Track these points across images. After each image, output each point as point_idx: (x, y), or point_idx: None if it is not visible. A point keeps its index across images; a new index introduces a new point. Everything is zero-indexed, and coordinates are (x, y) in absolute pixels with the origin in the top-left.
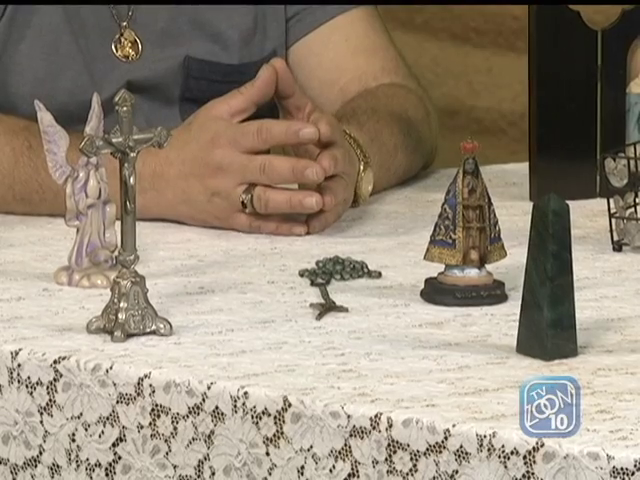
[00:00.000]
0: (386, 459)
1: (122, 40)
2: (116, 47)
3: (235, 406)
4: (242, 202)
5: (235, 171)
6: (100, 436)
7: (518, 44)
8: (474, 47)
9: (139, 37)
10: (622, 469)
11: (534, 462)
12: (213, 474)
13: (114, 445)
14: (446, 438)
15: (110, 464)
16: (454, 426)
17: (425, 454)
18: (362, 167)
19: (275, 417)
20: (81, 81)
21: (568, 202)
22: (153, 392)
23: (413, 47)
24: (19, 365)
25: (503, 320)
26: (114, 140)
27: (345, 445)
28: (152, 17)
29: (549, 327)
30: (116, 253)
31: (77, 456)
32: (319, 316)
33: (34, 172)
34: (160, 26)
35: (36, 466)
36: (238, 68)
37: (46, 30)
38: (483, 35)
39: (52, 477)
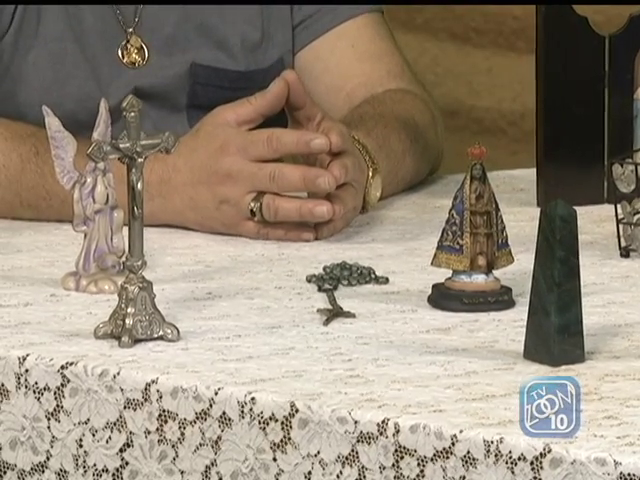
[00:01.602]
0: (393, 465)
1: (128, 46)
2: (122, 53)
3: (242, 412)
4: (251, 210)
5: (244, 179)
6: (107, 441)
7: (518, 44)
8: (474, 47)
9: (145, 43)
10: (629, 475)
11: (541, 468)
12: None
13: (121, 450)
14: (453, 444)
15: (117, 469)
16: (461, 432)
17: (432, 460)
18: (371, 174)
19: (282, 423)
20: (88, 88)
21: (575, 208)
22: (160, 398)
23: (413, 47)
24: (27, 370)
25: (510, 326)
26: (122, 145)
27: (352, 451)
28: (158, 23)
29: (556, 333)
30: (124, 258)
31: (84, 461)
32: (326, 322)
33: (41, 179)
34: (166, 32)
35: (43, 471)
36: (245, 75)
37: (51, 39)
38: (483, 35)
39: None
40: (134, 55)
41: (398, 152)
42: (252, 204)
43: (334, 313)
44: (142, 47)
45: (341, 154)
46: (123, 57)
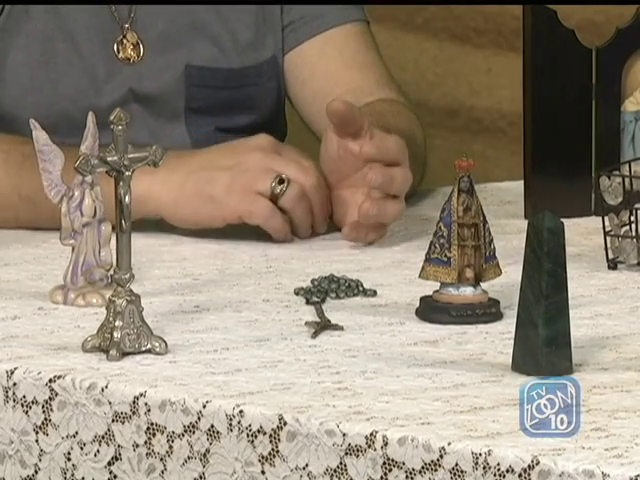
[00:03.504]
0: (381, 477)
1: (124, 42)
2: (118, 48)
3: (230, 424)
4: (272, 187)
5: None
6: (96, 455)
7: (518, 44)
8: (474, 47)
9: (141, 39)
10: None
11: None
12: None
13: (110, 464)
14: (441, 456)
15: None
16: (449, 444)
17: (420, 472)
18: None
19: (270, 435)
20: (81, 86)
21: (563, 220)
22: (148, 411)
23: (413, 47)
24: (14, 384)
25: (498, 338)
26: (109, 159)
27: (340, 463)
28: (152, 19)
29: (544, 345)
30: (111, 272)
31: (73, 475)
32: (314, 334)
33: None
34: (160, 28)
35: None
36: (238, 72)
37: (41, 39)
38: (483, 35)
39: None
40: (129, 51)
41: None
42: (274, 184)
43: (322, 326)
44: (138, 43)
45: (394, 165)
46: (118, 52)
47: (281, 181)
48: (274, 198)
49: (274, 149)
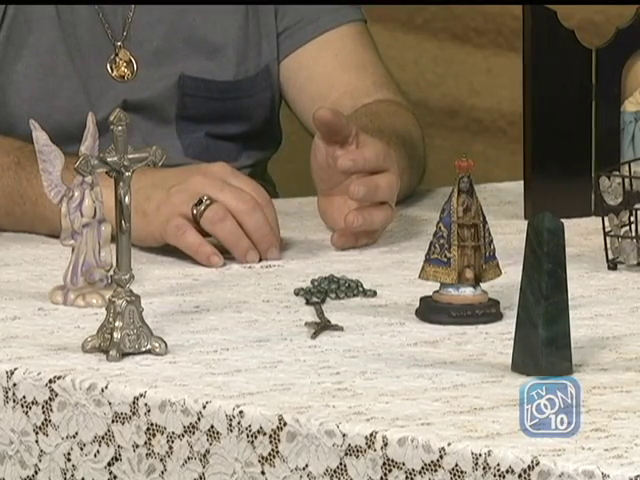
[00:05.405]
0: (381, 478)
1: (117, 60)
2: (111, 67)
3: (230, 425)
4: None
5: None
6: (95, 455)
7: (518, 44)
8: (474, 47)
9: (134, 57)
10: None
11: None
12: None
13: (109, 464)
14: (441, 457)
15: None
16: (449, 445)
17: (420, 473)
18: None
19: (270, 436)
20: (77, 100)
21: (563, 220)
22: (148, 411)
23: (413, 47)
24: (14, 384)
25: (498, 339)
26: (109, 159)
27: (340, 464)
28: (147, 36)
29: (544, 345)
30: (111, 272)
31: (72, 475)
32: (314, 335)
33: (17, 184)
34: (155, 45)
35: None
36: (233, 85)
37: (42, 50)
38: (483, 35)
39: None
40: (123, 69)
41: (399, 170)
42: (193, 206)
43: (322, 326)
44: (131, 60)
45: (379, 172)
46: (112, 71)
47: (199, 202)
48: (196, 220)
49: (222, 176)
